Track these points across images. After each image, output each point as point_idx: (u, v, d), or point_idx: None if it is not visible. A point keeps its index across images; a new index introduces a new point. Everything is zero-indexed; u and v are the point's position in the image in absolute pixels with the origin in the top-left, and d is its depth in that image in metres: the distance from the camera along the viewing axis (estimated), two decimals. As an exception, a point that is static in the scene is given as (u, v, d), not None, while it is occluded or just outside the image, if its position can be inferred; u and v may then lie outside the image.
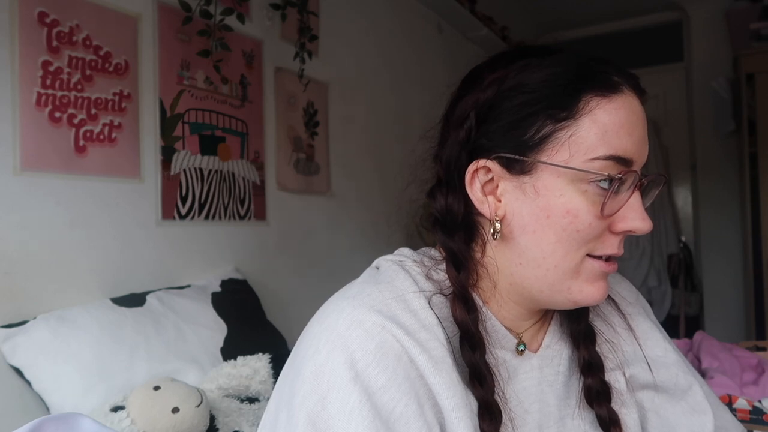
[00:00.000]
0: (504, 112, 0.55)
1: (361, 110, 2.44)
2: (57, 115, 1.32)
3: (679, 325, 3.62)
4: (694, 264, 3.77)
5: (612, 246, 0.54)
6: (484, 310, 0.58)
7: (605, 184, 0.52)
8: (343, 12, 2.34)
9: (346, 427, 0.46)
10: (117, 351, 1.24)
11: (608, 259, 0.56)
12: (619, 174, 0.52)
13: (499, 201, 0.56)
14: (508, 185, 0.55)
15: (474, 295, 0.57)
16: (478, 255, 0.58)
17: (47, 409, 1.18)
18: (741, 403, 1.27)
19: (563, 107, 0.53)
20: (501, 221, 0.55)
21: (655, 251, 3.65)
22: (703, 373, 1.49)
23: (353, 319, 0.51)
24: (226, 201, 1.78)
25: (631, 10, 3.79)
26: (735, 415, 1.25)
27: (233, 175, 1.81)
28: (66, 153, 1.34)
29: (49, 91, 1.31)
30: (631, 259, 3.62)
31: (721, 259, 3.51)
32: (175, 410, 1.09)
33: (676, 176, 3.86)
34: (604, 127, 0.52)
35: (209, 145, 1.73)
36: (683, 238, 3.83)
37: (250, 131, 1.88)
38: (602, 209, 0.52)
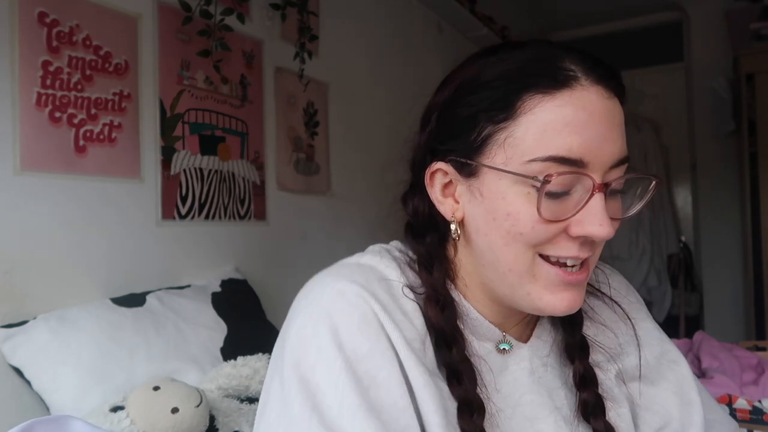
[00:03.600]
0: (456, 114, 0.54)
1: (361, 110, 2.44)
2: (57, 115, 1.32)
3: (679, 325, 3.62)
4: (694, 264, 3.77)
5: (567, 249, 0.51)
6: (464, 304, 0.58)
7: (552, 194, 0.49)
8: (343, 12, 2.34)
9: (333, 393, 0.48)
10: (117, 351, 1.24)
11: (576, 267, 0.53)
12: (548, 177, 0.48)
13: (457, 203, 0.56)
14: (462, 188, 0.55)
15: (454, 291, 0.58)
16: (451, 253, 0.59)
17: (47, 408, 1.18)
18: (741, 403, 1.27)
19: (501, 108, 0.51)
20: (462, 222, 0.56)
21: (655, 251, 3.65)
22: (703, 373, 1.49)
23: (336, 291, 0.52)
24: (226, 201, 1.78)
25: (631, 10, 3.78)
26: (735, 415, 1.25)
27: (233, 175, 1.81)
28: (66, 153, 1.34)
29: (49, 91, 1.31)
30: (631, 259, 3.61)
31: (721, 259, 3.50)
32: (175, 410, 1.09)
33: (676, 176, 3.86)
34: (544, 127, 0.49)
35: (209, 145, 1.73)
36: (683, 238, 3.83)
37: (250, 131, 1.88)
38: (539, 212, 0.49)
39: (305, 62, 1.96)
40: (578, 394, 0.59)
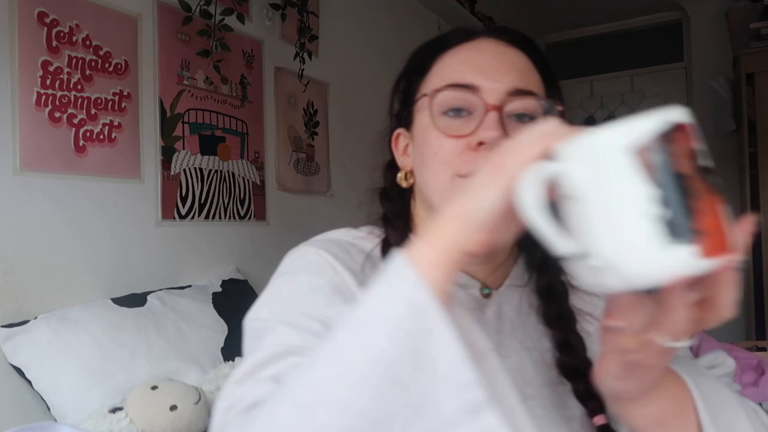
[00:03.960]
0: (402, 87, 0.68)
1: (361, 110, 2.44)
2: (57, 115, 1.33)
3: (679, 325, 3.61)
4: (694, 264, 3.76)
5: (474, 163, 0.58)
6: None
7: (451, 113, 0.59)
8: (343, 12, 2.34)
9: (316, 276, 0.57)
10: (118, 351, 1.24)
11: None
12: (436, 92, 0.59)
13: (409, 157, 0.67)
14: (410, 142, 0.65)
15: None
16: (415, 209, 0.68)
17: (48, 408, 1.18)
18: (741, 403, 1.27)
19: (422, 67, 0.64)
20: (412, 172, 0.66)
21: (655, 251, 3.65)
22: (702, 373, 1.49)
23: (297, 253, 0.61)
24: (226, 201, 1.78)
25: (631, 10, 3.79)
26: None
27: (233, 175, 1.81)
28: (66, 153, 1.34)
29: (49, 91, 1.31)
30: (631, 259, 3.61)
31: (721, 259, 3.50)
32: (173, 408, 1.09)
33: (676, 176, 3.86)
34: (445, 67, 0.61)
35: (209, 145, 1.73)
36: (683, 238, 3.83)
37: (250, 131, 1.88)
38: (435, 126, 0.59)
39: (305, 62, 1.96)
40: (552, 332, 0.62)
